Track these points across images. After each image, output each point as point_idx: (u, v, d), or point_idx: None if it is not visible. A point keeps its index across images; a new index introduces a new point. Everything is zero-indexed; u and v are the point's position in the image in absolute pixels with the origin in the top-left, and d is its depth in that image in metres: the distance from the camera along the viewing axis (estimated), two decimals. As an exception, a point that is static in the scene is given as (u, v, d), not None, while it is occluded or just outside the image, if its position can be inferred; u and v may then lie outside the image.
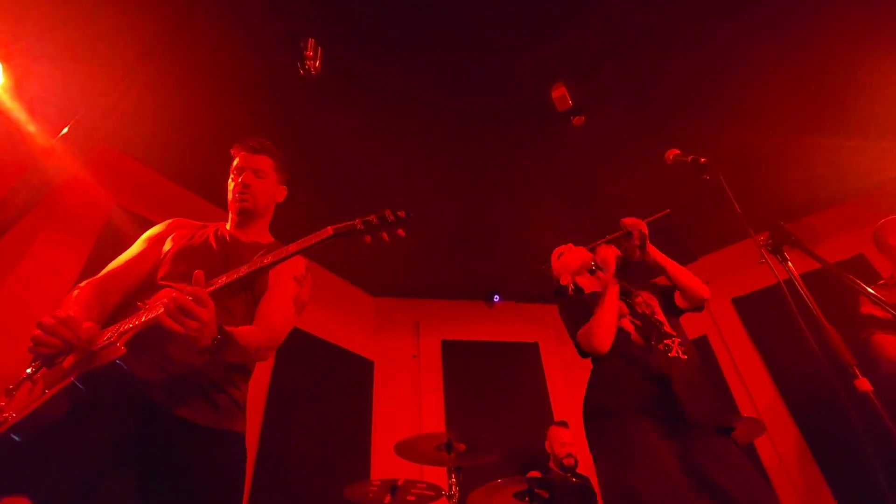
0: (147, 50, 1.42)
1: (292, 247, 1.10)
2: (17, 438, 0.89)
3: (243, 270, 1.06)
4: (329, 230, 1.10)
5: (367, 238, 1.11)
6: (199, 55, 2.26)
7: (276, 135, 2.69)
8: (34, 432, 0.91)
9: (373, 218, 1.10)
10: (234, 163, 1.46)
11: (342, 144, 2.84)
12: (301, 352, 3.37)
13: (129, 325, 1.02)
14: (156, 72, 2.29)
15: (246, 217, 1.41)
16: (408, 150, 2.93)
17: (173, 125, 2.63)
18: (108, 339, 1.00)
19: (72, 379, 0.93)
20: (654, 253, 1.68)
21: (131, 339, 0.98)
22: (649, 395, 1.49)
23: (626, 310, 1.70)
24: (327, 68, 1.61)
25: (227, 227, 1.43)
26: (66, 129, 1.00)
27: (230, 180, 1.45)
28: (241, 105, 2.55)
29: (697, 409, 1.43)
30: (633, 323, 1.67)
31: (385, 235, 1.11)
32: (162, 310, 0.92)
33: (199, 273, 0.98)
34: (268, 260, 1.08)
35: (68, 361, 0.98)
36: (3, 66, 2.11)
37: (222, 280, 1.04)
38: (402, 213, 1.11)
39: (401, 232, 1.12)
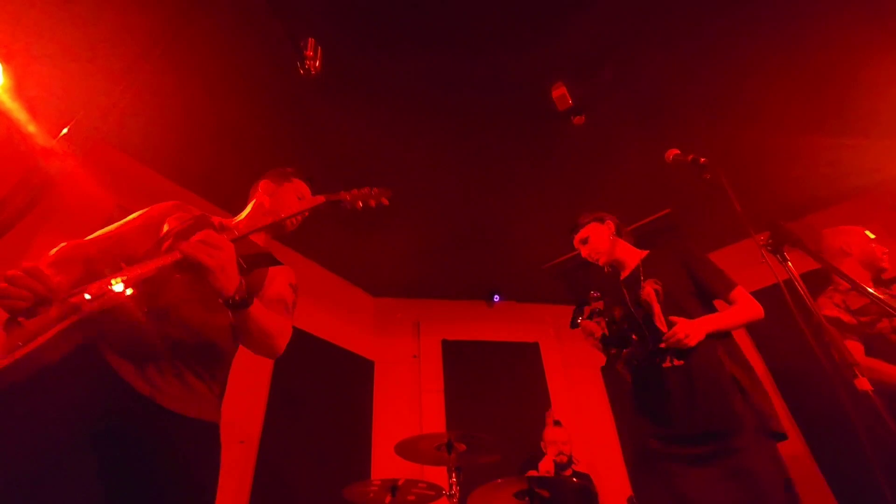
0: (147, 50, 1.42)
1: (291, 209, 1.25)
2: None
3: (243, 229, 1.15)
4: (321, 198, 1.31)
5: (359, 204, 1.33)
6: (200, 55, 2.26)
7: (275, 134, 2.72)
8: (30, 374, 0.89)
9: (356, 191, 1.34)
10: (294, 184, 1.53)
11: (341, 144, 2.84)
12: (301, 352, 3.37)
13: (127, 274, 0.96)
14: (156, 72, 2.29)
15: (274, 233, 1.47)
16: (407, 150, 2.92)
17: (173, 125, 2.63)
18: (101, 287, 0.94)
19: (70, 322, 0.90)
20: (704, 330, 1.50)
21: (134, 284, 0.95)
22: (648, 417, 1.50)
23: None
24: (327, 68, 1.61)
25: (234, 221, 1.45)
26: (66, 129, 1.00)
27: (280, 192, 1.49)
28: (241, 105, 2.55)
29: (690, 422, 1.39)
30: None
31: (372, 202, 1.32)
32: (183, 252, 0.95)
33: (206, 230, 1.02)
34: (269, 220, 1.20)
35: (54, 311, 0.92)
36: (3, 66, 2.11)
37: (227, 235, 1.06)
38: (383, 189, 1.35)
39: (385, 201, 1.34)
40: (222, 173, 2.90)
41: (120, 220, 1.32)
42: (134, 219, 1.30)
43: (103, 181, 2.50)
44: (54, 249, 1.14)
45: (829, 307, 1.86)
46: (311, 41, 1.58)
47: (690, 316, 1.53)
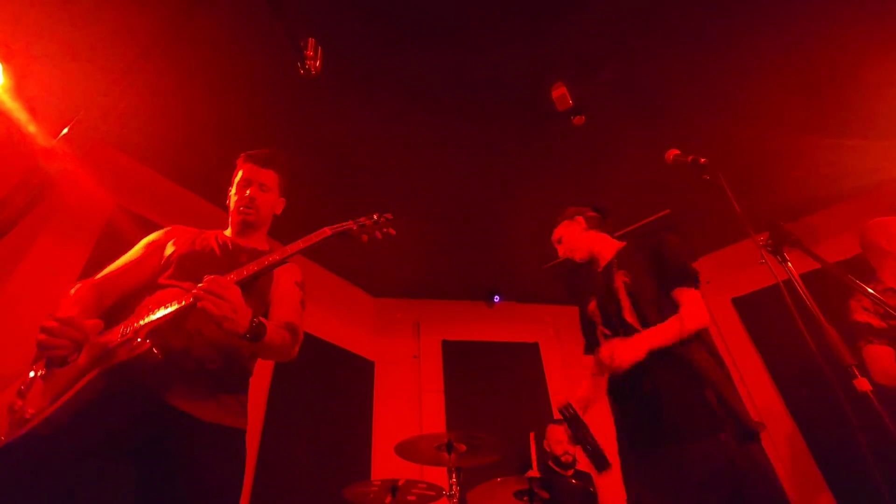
0: (147, 50, 1.42)
1: (297, 244, 1.19)
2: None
3: (253, 268, 1.13)
4: (327, 231, 1.23)
5: (364, 237, 1.26)
6: (200, 55, 2.26)
7: (275, 134, 2.72)
8: (62, 425, 0.94)
9: (364, 220, 1.26)
10: (240, 173, 1.49)
11: (341, 144, 2.84)
12: (301, 352, 3.34)
13: (142, 320, 1.05)
14: (156, 72, 2.29)
15: (247, 228, 1.46)
16: (408, 150, 2.93)
17: (173, 125, 2.63)
18: (123, 335, 1.03)
19: (97, 372, 0.97)
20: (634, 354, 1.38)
21: (150, 332, 1.02)
22: (619, 416, 1.51)
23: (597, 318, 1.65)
24: (327, 67, 1.61)
25: (227, 233, 1.47)
26: (66, 130, 1.00)
27: (234, 190, 1.48)
28: (242, 105, 2.55)
29: (663, 426, 1.35)
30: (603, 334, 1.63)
31: (378, 234, 1.26)
32: (191, 298, 0.98)
33: (213, 276, 1.03)
34: (275, 258, 1.15)
35: (83, 359, 1.00)
36: (3, 66, 2.11)
37: (233, 276, 1.09)
38: (388, 216, 1.28)
39: (391, 231, 1.27)
40: (222, 173, 2.90)
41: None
42: (138, 250, 1.35)
43: (103, 181, 2.50)
44: (73, 290, 1.19)
45: (858, 311, 1.79)
46: (311, 41, 1.57)
47: (660, 309, 1.47)
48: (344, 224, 1.24)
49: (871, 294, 1.23)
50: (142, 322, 1.04)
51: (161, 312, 1.04)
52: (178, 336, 1.11)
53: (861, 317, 1.77)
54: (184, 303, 1.03)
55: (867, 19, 2.27)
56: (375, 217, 1.26)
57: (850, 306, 1.85)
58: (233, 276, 1.09)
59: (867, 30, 2.32)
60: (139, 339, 0.99)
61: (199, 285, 0.99)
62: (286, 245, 1.20)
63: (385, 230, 1.26)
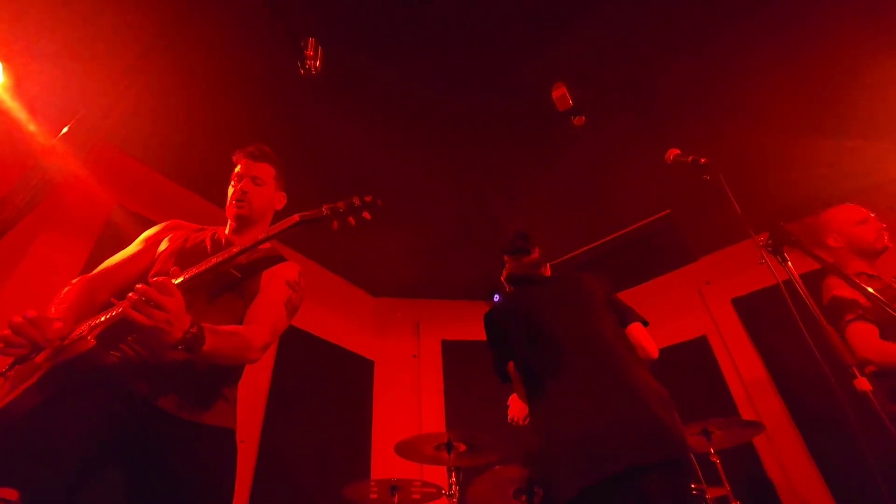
0: (147, 50, 1.42)
1: (261, 234, 1.12)
2: None
3: (213, 260, 1.05)
4: (296, 217, 1.13)
5: (335, 223, 1.13)
6: (200, 55, 2.26)
7: (275, 134, 2.72)
8: (8, 425, 0.91)
9: (339, 204, 1.13)
10: (236, 169, 1.47)
11: (342, 144, 2.84)
12: (301, 352, 3.36)
13: (101, 319, 1.02)
14: (156, 72, 2.27)
15: (242, 223, 1.42)
16: (408, 150, 2.93)
17: (173, 125, 2.63)
18: (80, 333, 1.00)
19: (43, 371, 0.93)
20: None
21: (102, 333, 0.97)
22: None
23: None
24: (328, 68, 1.61)
25: (226, 231, 1.44)
26: (66, 129, 1.01)
27: (230, 185, 1.46)
28: (242, 105, 2.55)
29: None
30: None
31: (351, 220, 1.13)
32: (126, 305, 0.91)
33: (175, 269, 0.98)
34: (235, 249, 1.08)
35: (41, 357, 0.98)
36: (3, 66, 2.11)
37: (192, 271, 1.03)
38: (367, 198, 1.15)
39: (366, 215, 1.14)
40: (222, 173, 2.90)
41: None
42: (135, 245, 1.33)
43: (103, 181, 2.50)
44: (66, 288, 1.18)
45: (844, 287, 1.71)
46: (311, 41, 1.57)
47: None
48: (315, 210, 1.13)
49: (872, 294, 1.23)
50: (101, 320, 1.00)
51: (113, 314, 0.99)
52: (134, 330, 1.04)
53: (847, 293, 1.69)
54: (122, 315, 0.94)
55: (866, 21, 2.27)
56: (355, 200, 1.13)
57: (827, 284, 1.79)
58: (193, 270, 1.02)
59: (866, 31, 2.32)
60: (88, 338, 0.95)
61: (137, 289, 0.88)
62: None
63: (360, 215, 1.12)
